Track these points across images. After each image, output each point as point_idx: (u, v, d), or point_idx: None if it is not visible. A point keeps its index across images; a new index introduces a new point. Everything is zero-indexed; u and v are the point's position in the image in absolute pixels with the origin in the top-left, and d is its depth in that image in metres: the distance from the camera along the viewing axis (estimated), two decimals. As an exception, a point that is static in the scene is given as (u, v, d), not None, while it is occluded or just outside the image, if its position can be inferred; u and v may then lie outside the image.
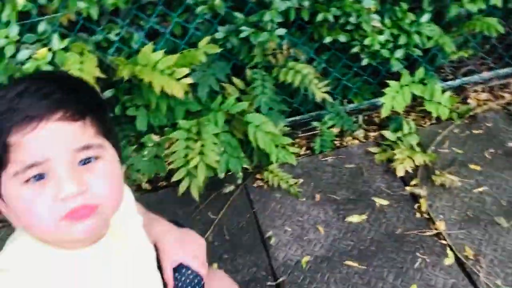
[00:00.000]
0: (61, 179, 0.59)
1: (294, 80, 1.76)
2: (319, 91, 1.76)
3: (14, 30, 1.51)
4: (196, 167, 1.62)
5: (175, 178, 1.63)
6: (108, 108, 0.76)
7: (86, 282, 0.68)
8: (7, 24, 1.52)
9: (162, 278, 0.85)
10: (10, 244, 0.67)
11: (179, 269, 0.86)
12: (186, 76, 1.61)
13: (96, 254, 0.69)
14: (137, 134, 1.75)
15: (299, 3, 1.72)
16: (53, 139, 0.59)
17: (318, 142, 2.01)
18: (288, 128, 2.01)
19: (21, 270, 0.64)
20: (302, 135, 2.13)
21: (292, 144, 2.05)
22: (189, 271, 0.86)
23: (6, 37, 1.51)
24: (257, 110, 1.80)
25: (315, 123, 2.02)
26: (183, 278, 0.84)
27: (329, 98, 1.83)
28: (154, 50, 1.66)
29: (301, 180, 1.92)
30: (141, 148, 1.69)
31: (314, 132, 2.07)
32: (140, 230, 0.84)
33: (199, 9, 1.66)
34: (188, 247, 0.88)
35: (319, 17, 1.74)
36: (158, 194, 1.93)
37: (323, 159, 2.01)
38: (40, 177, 0.59)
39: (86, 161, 0.63)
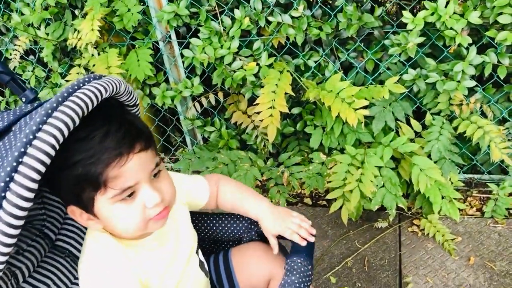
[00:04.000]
0: (148, 193, 0.82)
1: (473, 135, 1.70)
2: (498, 151, 1.66)
3: (235, 44, 1.87)
4: (351, 191, 1.71)
5: (329, 196, 1.75)
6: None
7: (151, 260, 0.93)
8: (232, 38, 1.89)
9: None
10: (93, 243, 0.91)
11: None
12: (364, 107, 1.73)
13: (153, 239, 0.94)
14: (309, 150, 1.94)
15: (498, 60, 1.67)
16: (139, 167, 0.80)
17: (490, 205, 1.87)
18: (462, 184, 1.93)
19: (107, 251, 0.89)
20: (476, 195, 2.01)
21: (462, 201, 1.97)
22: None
23: (228, 48, 1.88)
24: (429, 157, 1.79)
25: (492, 186, 1.89)
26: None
27: (510, 162, 1.71)
28: (343, 80, 1.83)
29: (459, 239, 1.82)
30: (308, 163, 1.87)
31: (490, 195, 1.93)
32: (184, 214, 1.04)
33: (392, 49, 1.76)
34: (284, 218, 1.04)
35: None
36: (316, 210, 2.08)
37: (492, 225, 1.86)
38: (131, 194, 0.81)
39: (155, 175, 0.85)
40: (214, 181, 1.12)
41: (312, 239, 1.01)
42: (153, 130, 2.43)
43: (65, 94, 0.74)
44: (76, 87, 0.77)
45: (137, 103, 0.97)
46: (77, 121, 0.72)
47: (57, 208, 1.07)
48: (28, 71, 2.35)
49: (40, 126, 0.69)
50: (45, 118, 0.70)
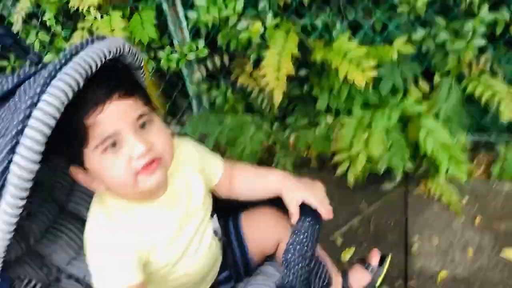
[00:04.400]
0: (132, 143, 0.79)
1: (482, 95, 1.68)
2: (508, 111, 1.64)
3: (240, 4, 1.83)
4: (357, 154, 1.71)
5: (336, 159, 1.75)
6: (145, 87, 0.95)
7: (158, 225, 0.93)
8: (236, -2, 1.84)
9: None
10: (98, 209, 0.91)
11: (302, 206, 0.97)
12: (372, 69, 1.70)
13: (162, 203, 0.93)
14: (316, 113, 1.93)
15: (511, 17, 1.62)
16: (117, 115, 0.78)
17: (498, 166, 1.87)
18: (469, 146, 1.92)
19: (112, 215, 0.89)
20: (484, 157, 2.00)
21: (469, 163, 1.96)
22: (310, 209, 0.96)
23: (233, 9, 1.84)
24: (436, 118, 1.77)
25: (500, 147, 1.87)
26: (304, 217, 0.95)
27: (518, 122, 1.69)
28: (350, 40, 1.79)
29: (466, 199, 1.83)
30: (315, 126, 1.86)
31: (498, 158, 1.92)
32: (197, 180, 1.01)
33: (401, 8, 1.71)
34: (308, 186, 1.00)
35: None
36: (322, 173, 2.08)
37: (499, 186, 1.86)
38: (114, 144, 0.79)
39: (143, 126, 0.83)
40: (228, 164, 1.10)
41: (331, 216, 0.98)
42: (159, 95, 2.42)
43: (68, 56, 0.74)
44: (79, 48, 0.76)
45: (142, 65, 0.96)
46: (81, 83, 0.72)
47: (65, 171, 1.09)
48: (32, 35, 2.32)
49: (44, 88, 0.69)
50: (48, 80, 0.70)
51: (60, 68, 0.72)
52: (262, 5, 1.85)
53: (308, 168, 2.11)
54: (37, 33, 2.31)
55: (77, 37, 1.94)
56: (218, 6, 1.84)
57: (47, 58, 2.29)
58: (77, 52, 0.74)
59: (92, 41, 0.79)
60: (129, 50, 0.86)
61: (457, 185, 1.87)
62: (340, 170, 1.76)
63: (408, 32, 1.80)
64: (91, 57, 0.73)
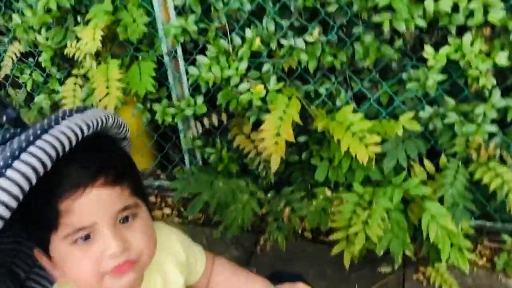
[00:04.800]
0: (107, 239, 0.67)
1: (490, 182, 1.59)
2: (518, 203, 1.55)
3: (243, 65, 1.77)
4: (356, 234, 1.59)
5: (333, 237, 1.63)
6: (138, 170, 0.82)
7: None
8: (240, 59, 1.78)
9: None
10: None
11: None
12: (376, 144, 1.62)
13: None
14: (313, 183, 1.82)
15: (523, 104, 1.56)
16: (98, 204, 0.66)
17: (503, 258, 1.75)
18: (472, 232, 1.81)
19: None
20: (488, 244, 1.89)
21: (472, 251, 1.84)
22: None
23: (236, 69, 1.77)
24: (440, 201, 1.67)
25: (506, 237, 1.77)
26: None
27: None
28: (355, 112, 1.72)
29: (467, 292, 1.70)
30: (312, 198, 1.75)
31: (503, 246, 1.81)
32: (174, 270, 0.87)
33: (410, 85, 1.65)
34: None
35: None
36: (316, 246, 1.95)
37: (503, 279, 1.74)
38: (87, 237, 0.67)
39: (125, 220, 0.71)
40: (210, 257, 0.98)
41: None
42: (152, 146, 2.32)
43: (45, 127, 0.64)
44: (53, 123, 0.66)
45: (128, 136, 0.86)
46: (49, 164, 0.61)
47: (29, 247, 0.96)
48: (26, 74, 2.25)
49: (9, 161, 0.59)
50: (17, 152, 0.60)
51: (33, 141, 0.62)
52: (266, 68, 1.78)
53: (301, 238, 1.99)
54: (31, 72, 2.24)
55: (70, 83, 1.86)
56: (221, 65, 1.78)
57: (38, 98, 2.20)
58: (49, 127, 0.64)
59: (71, 113, 0.69)
60: (114, 122, 0.76)
61: (459, 274, 1.75)
62: (336, 249, 1.63)
63: (415, 109, 1.73)
64: (65, 134, 0.63)
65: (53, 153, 0.62)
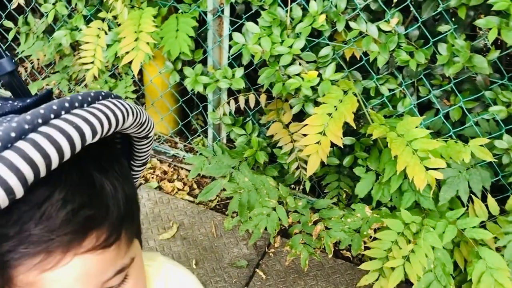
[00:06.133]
0: None
1: None
2: None
3: (299, 44, 1.48)
4: (393, 269, 1.35)
5: (365, 266, 1.39)
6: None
7: None
8: (297, 35, 1.49)
9: None
10: None
11: None
12: (437, 168, 1.35)
13: None
14: (350, 195, 1.57)
15: None
16: (79, 278, 0.41)
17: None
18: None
19: None
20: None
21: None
22: None
23: (290, 46, 1.49)
24: (498, 249, 1.41)
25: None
26: None
27: None
28: (419, 124, 1.44)
29: None
30: (347, 213, 1.49)
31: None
32: None
33: (495, 108, 1.36)
34: None
35: None
36: (336, 263, 1.72)
37: None
38: None
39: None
40: None
41: None
42: (174, 111, 2.07)
43: (51, 116, 0.38)
44: (63, 111, 0.40)
45: (150, 135, 0.59)
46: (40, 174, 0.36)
47: None
48: (49, 3, 1.98)
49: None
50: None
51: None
52: (324, 52, 1.49)
53: (321, 252, 1.75)
54: (55, 2, 1.97)
55: (94, 27, 1.58)
56: (272, 38, 1.49)
57: (57, 33, 1.93)
58: (57, 115, 0.38)
59: (82, 101, 0.43)
60: (135, 121, 0.50)
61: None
62: (365, 280, 1.39)
63: (491, 135, 1.45)
64: (70, 126, 0.38)
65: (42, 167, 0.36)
